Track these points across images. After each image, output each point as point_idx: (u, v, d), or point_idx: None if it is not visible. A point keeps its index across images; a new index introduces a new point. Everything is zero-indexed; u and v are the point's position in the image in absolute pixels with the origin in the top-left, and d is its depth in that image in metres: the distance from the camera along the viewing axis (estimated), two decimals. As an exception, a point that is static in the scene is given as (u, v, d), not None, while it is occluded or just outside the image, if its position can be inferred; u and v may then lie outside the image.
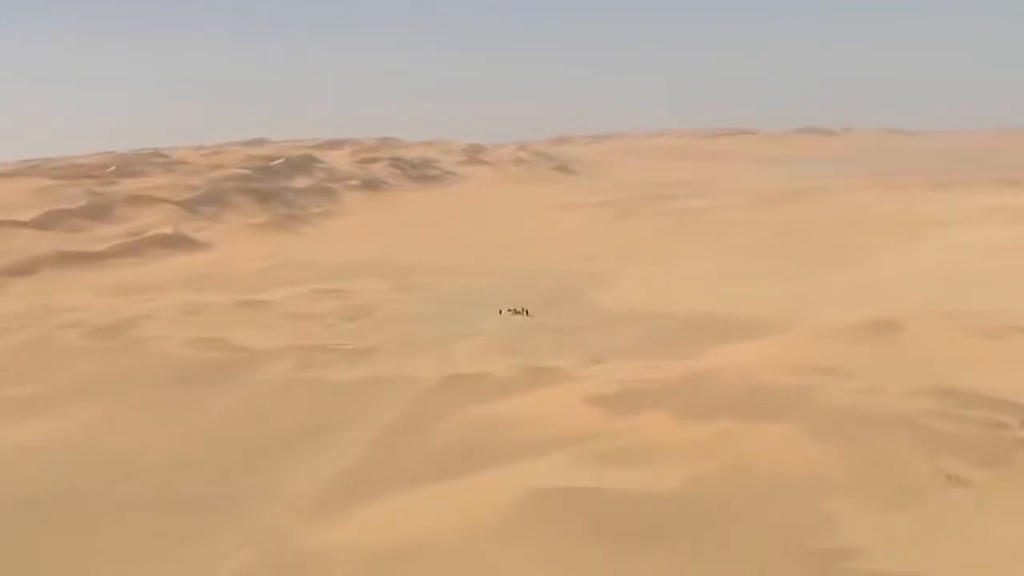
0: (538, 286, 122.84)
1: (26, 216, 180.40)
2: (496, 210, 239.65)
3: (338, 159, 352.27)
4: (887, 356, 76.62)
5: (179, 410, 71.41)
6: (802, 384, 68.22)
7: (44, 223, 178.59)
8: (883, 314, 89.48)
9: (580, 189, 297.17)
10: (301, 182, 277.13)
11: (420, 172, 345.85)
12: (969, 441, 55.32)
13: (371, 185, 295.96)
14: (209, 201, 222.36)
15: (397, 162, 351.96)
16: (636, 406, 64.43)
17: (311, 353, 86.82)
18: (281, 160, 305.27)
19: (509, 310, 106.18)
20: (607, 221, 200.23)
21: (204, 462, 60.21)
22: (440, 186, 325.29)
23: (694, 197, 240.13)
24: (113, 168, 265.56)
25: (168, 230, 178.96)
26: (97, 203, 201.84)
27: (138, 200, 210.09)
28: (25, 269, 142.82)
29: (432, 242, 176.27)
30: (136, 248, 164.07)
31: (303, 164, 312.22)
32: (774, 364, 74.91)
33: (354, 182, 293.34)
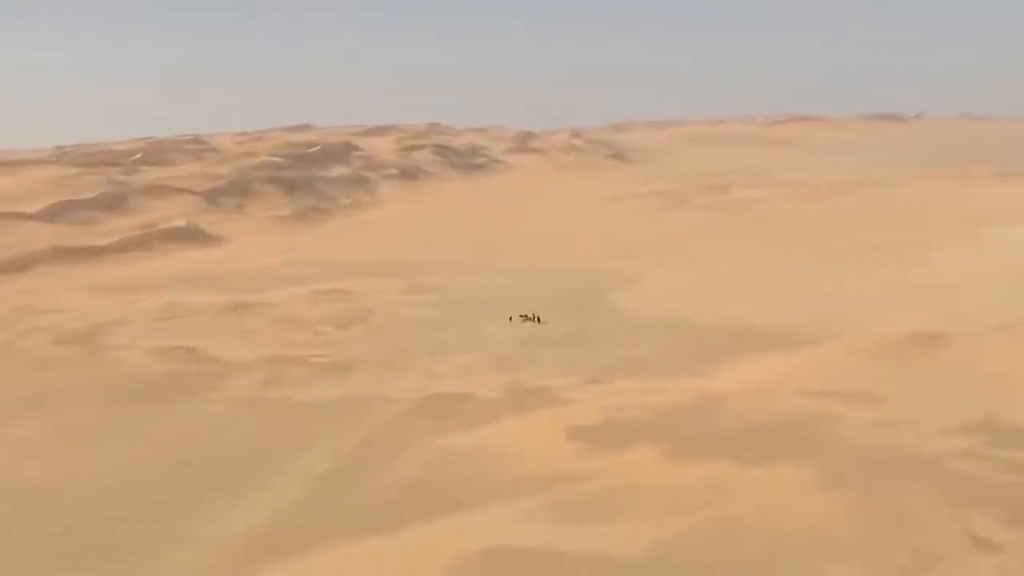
0: (562, 286, 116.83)
1: (33, 208, 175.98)
2: (538, 201, 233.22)
3: (380, 146, 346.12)
4: (927, 378, 68.61)
5: (121, 433, 65.23)
6: (821, 414, 60.77)
7: (52, 215, 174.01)
8: (929, 325, 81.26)
9: (633, 178, 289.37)
10: (336, 171, 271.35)
11: (465, 160, 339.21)
12: (1004, 493, 47.62)
13: (410, 174, 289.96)
14: (233, 191, 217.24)
15: (441, 150, 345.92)
16: (624, 440, 57.25)
17: (286, 367, 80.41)
18: (317, 148, 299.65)
19: (521, 316, 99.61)
20: (653, 213, 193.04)
21: (127, 499, 53.88)
22: (485, 175, 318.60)
23: (748, 188, 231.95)
24: (140, 155, 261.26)
25: (181, 223, 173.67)
26: (113, 193, 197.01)
27: (157, 190, 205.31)
28: (21, 265, 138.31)
29: (460, 236, 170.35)
30: (145, 242, 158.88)
31: (341, 152, 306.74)
32: (796, 386, 67.49)
33: (392, 171, 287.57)
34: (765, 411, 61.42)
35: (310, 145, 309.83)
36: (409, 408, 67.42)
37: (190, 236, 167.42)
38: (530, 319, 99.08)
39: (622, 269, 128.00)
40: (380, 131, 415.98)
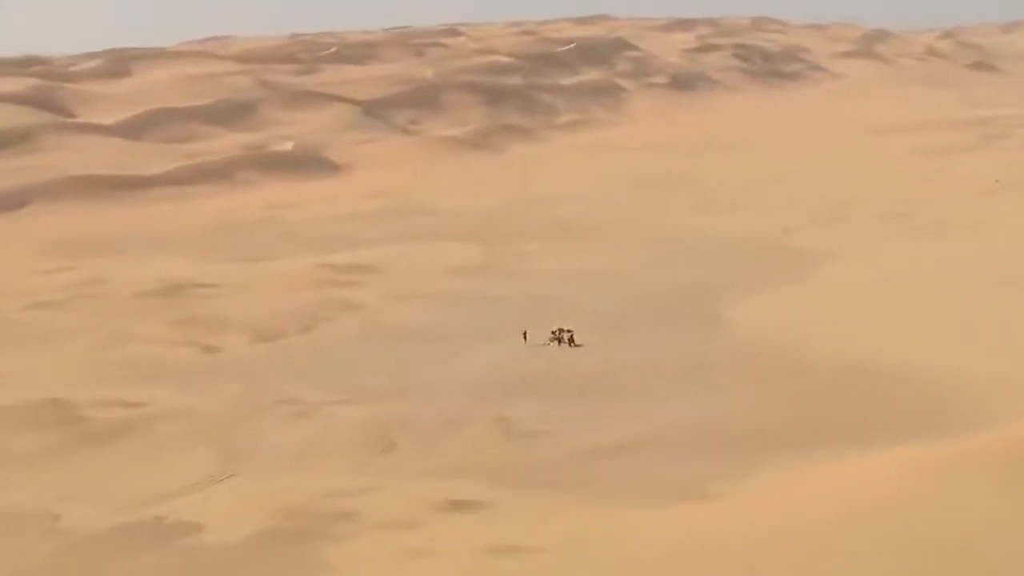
0: (681, 278, 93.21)
1: (115, 118, 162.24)
2: (811, 128, 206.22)
3: (667, 45, 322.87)
4: None
5: None
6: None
7: (132, 129, 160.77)
8: None
9: (970, 98, 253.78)
10: (583, 76, 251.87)
11: (771, 67, 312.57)
12: None
13: (684, 83, 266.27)
14: (413, 102, 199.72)
15: (745, 52, 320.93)
16: None
17: (34, 427, 61.38)
18: (572, 46, 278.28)
19: (552, 333, 77.36)
20: (943, 152, 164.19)
21: None
22: (789, 87, 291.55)
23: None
24: (334, 49, 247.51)
25: (289, 146, 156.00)
26: (236, 102, 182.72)
27: (308, 97, 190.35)
28: (17, 200, 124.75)
29: (644, 179, 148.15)
30: (220, 172, 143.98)
31: (605, 51, 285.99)
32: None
33: (661, 79, 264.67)
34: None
35: (568, 42, 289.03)
36: (45, 558, 45.04)
37: (294, 164, 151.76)
38: (557, 339, 77.00)
39: (803, 247, 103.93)
40: (684, 26, 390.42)
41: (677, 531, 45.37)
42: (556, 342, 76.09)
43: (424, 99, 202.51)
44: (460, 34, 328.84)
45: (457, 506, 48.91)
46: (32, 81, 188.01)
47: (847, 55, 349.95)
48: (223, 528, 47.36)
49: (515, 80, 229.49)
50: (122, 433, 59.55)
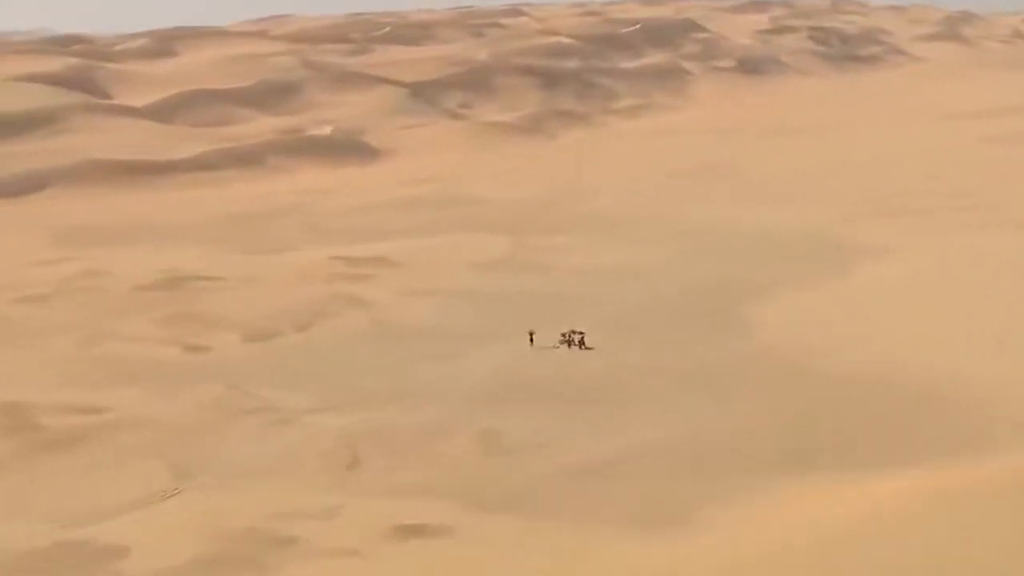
0: (716, 273, 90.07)
1: (146, 100, 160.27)
2: (888, 113, 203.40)
3: (739, 27, 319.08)
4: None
5: None
6: None
7: (164, 111, 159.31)
8: None
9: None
10: (646, 59, 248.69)
11: (847, 50, 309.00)
12: None
13: (753, 67, 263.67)
14: (465, 84, 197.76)
15: (821, 34, 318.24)
16: None
17: None
18: (636, 27, 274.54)
19: (563, 334, 74.26)
20: (1022, 140, 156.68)
21: None
22: (865, 71, 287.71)
23: None
24: (388, 29, 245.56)
25: (328, 130, 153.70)
26: (280, 83, 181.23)
27: (354, 79, 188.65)
28: (35, 184, 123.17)
29: (696, 167, 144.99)
30: (250, 157, 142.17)
31: (672, 33, 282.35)
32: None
33: (728, 62, 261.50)
34: None
35: (635, 23, 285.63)
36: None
37: (331, 149, 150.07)
38: (567, 341, 73.88)
39: (853, 240, 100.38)
40: (758, 7, 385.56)
41: (657, 565, 42.49)
42: (566, 344, 73.32)
43: (476, 82, 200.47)
44: (523, 14, 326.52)
45: (413, 532, 45.97)
46: (71, 61, 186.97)
47: (929, 38, 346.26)
48: (152, 553, 44.48)
49: (573, 63, 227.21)
50: (75, 443, 56.88)
